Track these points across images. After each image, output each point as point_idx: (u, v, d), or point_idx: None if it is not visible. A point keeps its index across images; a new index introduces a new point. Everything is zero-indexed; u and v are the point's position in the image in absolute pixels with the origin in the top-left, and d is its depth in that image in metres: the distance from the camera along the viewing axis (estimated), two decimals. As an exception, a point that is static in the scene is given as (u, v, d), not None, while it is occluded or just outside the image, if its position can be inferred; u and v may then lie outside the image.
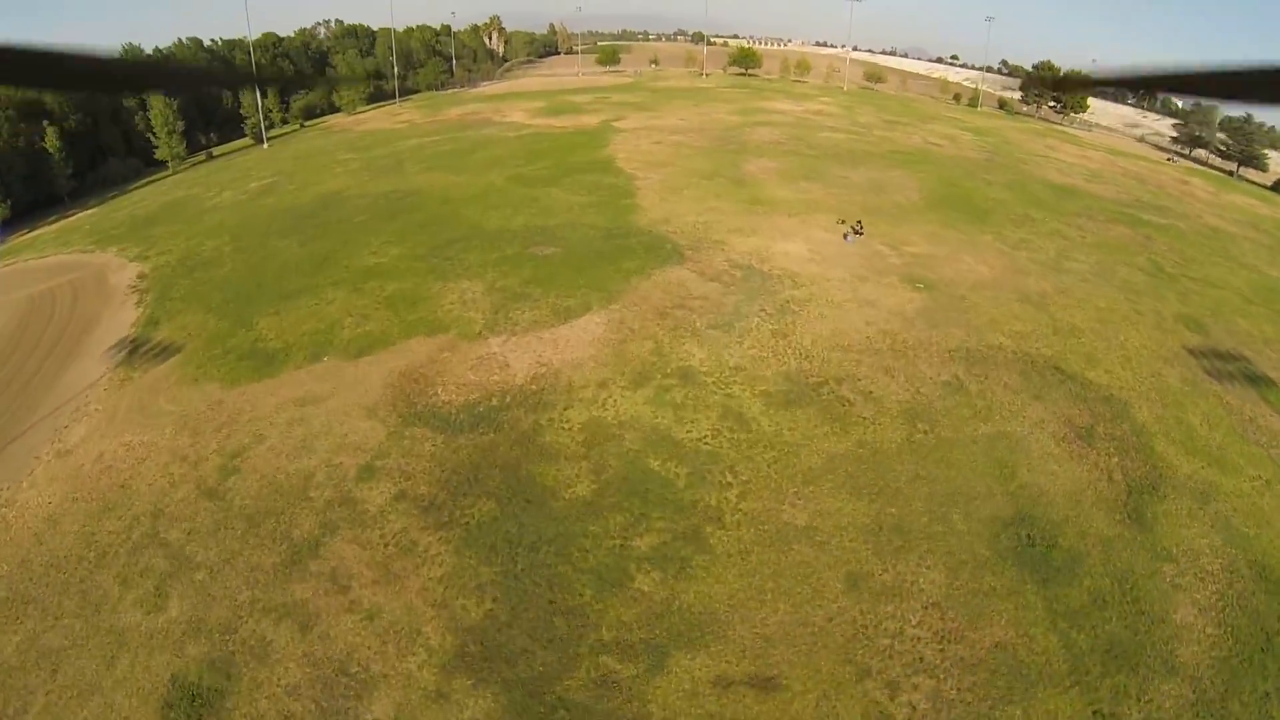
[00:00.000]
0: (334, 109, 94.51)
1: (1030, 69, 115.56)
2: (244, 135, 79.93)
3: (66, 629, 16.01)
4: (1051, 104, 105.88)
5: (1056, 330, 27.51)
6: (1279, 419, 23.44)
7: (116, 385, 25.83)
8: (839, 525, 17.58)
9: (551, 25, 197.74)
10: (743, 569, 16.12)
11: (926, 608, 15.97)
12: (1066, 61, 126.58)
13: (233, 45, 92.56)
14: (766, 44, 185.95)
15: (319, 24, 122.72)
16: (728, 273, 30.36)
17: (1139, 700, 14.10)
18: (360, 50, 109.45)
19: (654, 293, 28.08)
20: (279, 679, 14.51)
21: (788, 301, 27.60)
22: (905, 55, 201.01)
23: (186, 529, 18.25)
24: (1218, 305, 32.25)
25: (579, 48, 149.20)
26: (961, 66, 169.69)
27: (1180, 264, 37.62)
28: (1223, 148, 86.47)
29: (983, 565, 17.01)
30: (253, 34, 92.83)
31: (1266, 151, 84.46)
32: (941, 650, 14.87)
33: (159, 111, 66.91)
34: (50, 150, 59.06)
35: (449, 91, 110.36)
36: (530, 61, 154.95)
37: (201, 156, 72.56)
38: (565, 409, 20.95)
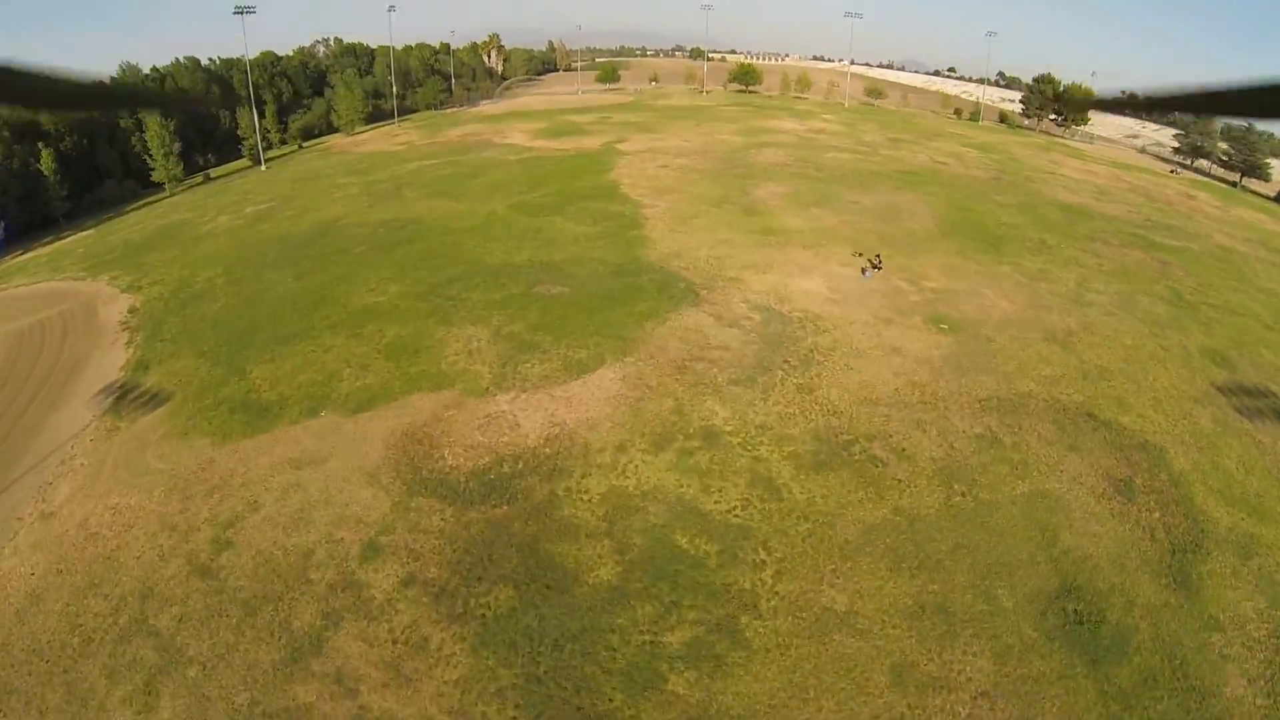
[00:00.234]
0: (333, 129, 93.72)
1: (1030, 83, 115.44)
2: (242, 156, 79.01)
3: (51, 729, 14.70)
4: (1053, 117, 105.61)
5: (1086, 374, 26.81)
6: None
7: (103, 435, 24.62)
8: (880, 608, 16.45)
9: (550, 42, 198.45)
10: (782, 665, 14.88)
11: (976, 698, 15.09)
12: (1062, 74, 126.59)
13: (230, 64, 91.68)
14: (764, 59, 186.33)
15: (317, 42, 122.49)
16: (746, 316, 29.20)
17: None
18: (359, 69, 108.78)
19: (670, 342, 26.85)
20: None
21: (811, 350, 26.50)
22: (902, 68, 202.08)
23: (177, 614, 16.91)
24: (1240, 335, 31.97)
25: (578, 65, 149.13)
26: (959, 79, 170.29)
27: (1198, 290, 37.21)
28: (1225, 158, 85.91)
29: (1030, 648, 16.13)
30: (251, 53, 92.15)
31: (1269, 160, 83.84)
32: (995, 745, 13.91)
33: (155, 133, 65.70)
34: (45, 172, 58.10)
35: (448, 110, 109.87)
36: (529, 79, 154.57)
37: (199, 178, 71.43)
38: (583, 476, 19.57)
